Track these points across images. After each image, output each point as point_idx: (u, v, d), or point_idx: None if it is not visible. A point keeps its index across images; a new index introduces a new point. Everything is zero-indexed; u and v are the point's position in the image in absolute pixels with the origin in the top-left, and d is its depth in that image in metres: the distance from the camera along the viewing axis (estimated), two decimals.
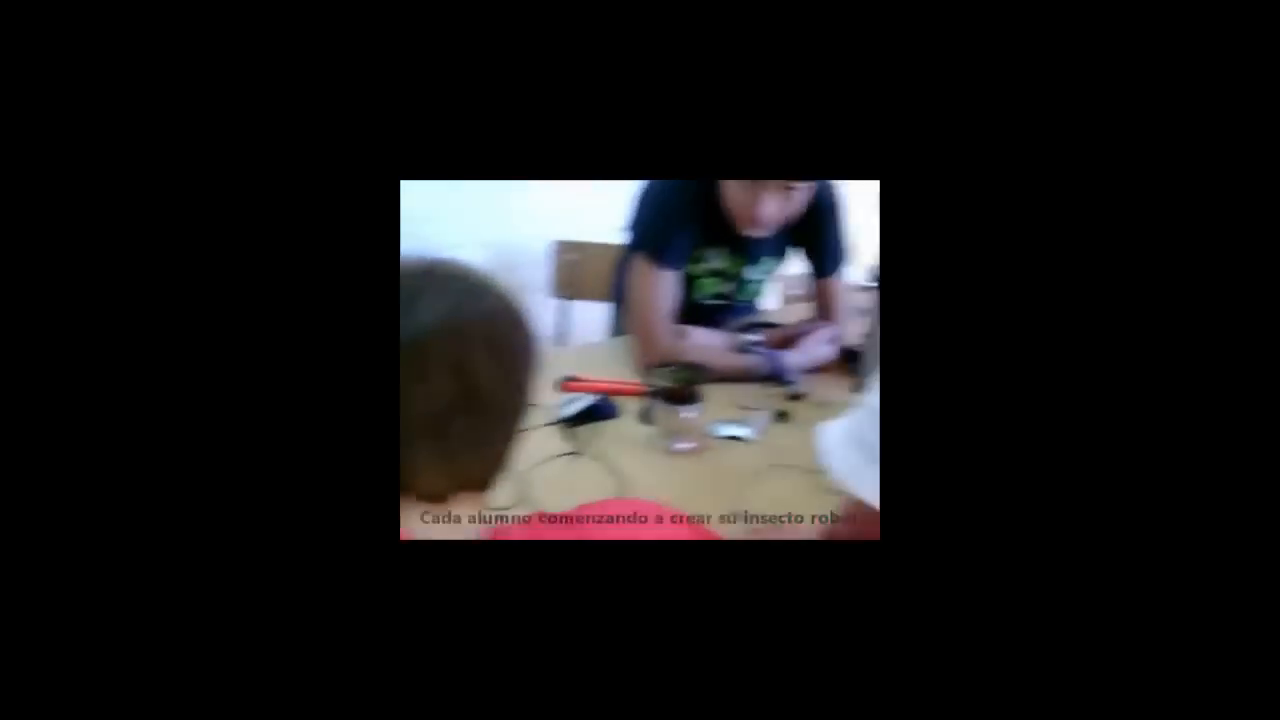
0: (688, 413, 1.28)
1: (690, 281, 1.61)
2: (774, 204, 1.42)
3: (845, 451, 0.71)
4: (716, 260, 1.61)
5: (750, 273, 1.66)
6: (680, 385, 1.28)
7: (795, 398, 1.48)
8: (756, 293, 1.73)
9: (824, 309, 1.66)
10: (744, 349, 1.54)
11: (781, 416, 1.42)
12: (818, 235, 1.59)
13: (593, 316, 2.07)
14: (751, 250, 1.61)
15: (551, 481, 1.17)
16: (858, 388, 1.47)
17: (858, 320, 1.66)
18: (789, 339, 1.59)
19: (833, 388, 1.52)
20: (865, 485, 0.68)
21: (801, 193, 1.45)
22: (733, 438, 1.35)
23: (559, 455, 1.25)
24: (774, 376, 1.51)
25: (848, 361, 1.59)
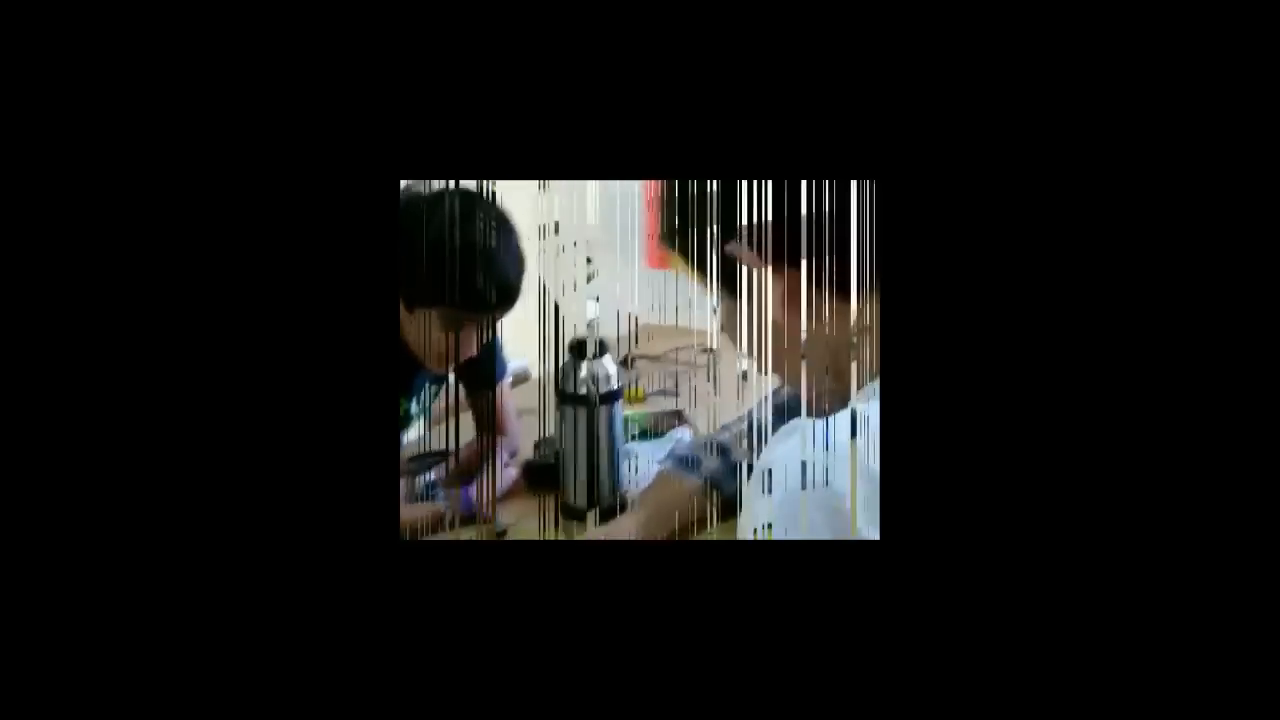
0: None
1: None
2: (473, 335, 1.21)
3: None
4: None
5: (412, 406, 1.39)
6: None
7: (500, 535, 1.25)
8: (411, 424, 1.46)
9: (489, 421, 1.45)
10: (423, 494, 1.27)
11: None
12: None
13: None
14: (413, 382, 1.35)
15: None
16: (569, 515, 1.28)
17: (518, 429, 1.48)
18: (466, 467, 1.35)
19: (530, 517, 1.32)
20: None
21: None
22: None
23: None
24: (468, 517, 1.27)
25: (530, 480, 1.40)
